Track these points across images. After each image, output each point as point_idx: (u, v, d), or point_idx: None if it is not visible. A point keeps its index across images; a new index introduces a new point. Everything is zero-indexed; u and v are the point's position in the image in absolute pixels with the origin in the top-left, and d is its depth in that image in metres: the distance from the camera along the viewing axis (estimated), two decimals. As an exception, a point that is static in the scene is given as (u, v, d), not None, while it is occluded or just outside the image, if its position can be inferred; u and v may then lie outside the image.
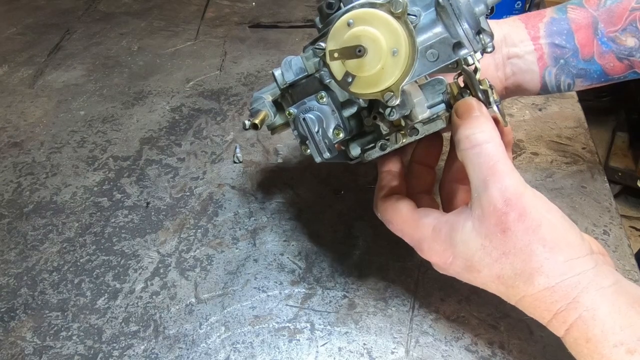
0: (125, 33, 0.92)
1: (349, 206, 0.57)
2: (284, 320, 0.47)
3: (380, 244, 0.53)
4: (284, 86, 0.45)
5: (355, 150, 0.45)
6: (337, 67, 0.36)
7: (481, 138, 0.38)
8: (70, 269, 0.53)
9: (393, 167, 0.46)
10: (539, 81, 0.50)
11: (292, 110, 0.44)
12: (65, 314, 0.49)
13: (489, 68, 0.49)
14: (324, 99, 0.42)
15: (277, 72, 0.45)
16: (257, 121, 0.45)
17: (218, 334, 0.46)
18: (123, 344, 0.46)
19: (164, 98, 0.75)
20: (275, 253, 0.53)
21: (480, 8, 0.36)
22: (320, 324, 0.47)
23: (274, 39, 0.88)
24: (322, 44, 0.37)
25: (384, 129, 0.43)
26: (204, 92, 0.76)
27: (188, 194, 0.60)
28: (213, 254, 0.53)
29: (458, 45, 0.36)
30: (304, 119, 0.41)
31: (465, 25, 0.35)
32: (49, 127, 0.71)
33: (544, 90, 0.51)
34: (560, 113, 0.68)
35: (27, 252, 0.54)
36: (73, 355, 0.45)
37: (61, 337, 0.47)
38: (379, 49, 0.34)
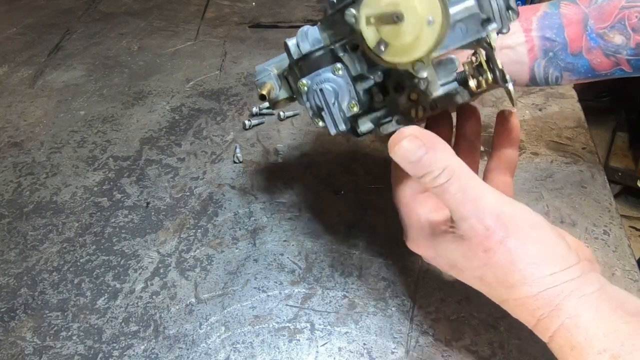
0: (125, 33, 0.92)
1: (349, 206, 0.57)
2: (284, 320, 0.47)
3: (380, 244, 0.53)
4: (299, 57, 0.43)
5: (365, 126, 0.44)
6: (372, 34, 0.36)
7: (438, 181, 0.35)
8: (70, 269, 0.53)
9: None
10: (528, 73, 0.51)
11: (306, 81, 0.42)
12: (65, 314, 0.49)
13: None
14: (340, 71, 0.41)
15: (292, 42, 0.43)
16: (264, 92, 0.44)
17: (218, 334, 0.46)
18: (123, 344, 0.46)
19: (164, 98, 0.75)
20: (275, 253, 0.53)
21: None
22: (320, 324, 0.47)
23: (274, 39, 0.88)
24: (353, 10, 0.36)
25: (401, 103, 0.42)
26: (204, 92, 0.76)
27: (188, 194, 0.60)
28: (213, 254, 0.53)
29: (487, 21, 0.36)
30: (320, 89, 0.40)
31: (501, 2, 0.36)
32: (49, 127, 0.71)
33: (533, 81, 0.52)
34: (560, 113, 0.68)
35: (27, 252, 0.54)
36: (73, 355, 0.45)
37: (61, 337, 0.47)
38: (416, 17, 0.34)
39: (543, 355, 0.44)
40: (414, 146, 0.35)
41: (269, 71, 0.46)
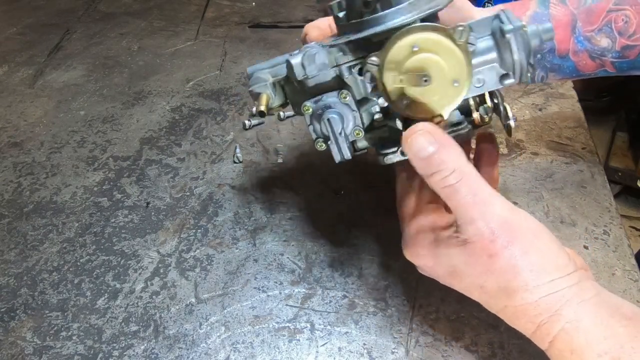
0: (125, 33, 0.92)
1: (349, 206, 0.57)
2: (284, 320, 0.47)
3: (380, 243, 0.53)
4: (302, 78, 0.41)
5: (362, 143, 0.44)
6: (396, 90, 0.36)
7: (449, 181, 0.35)
8: (70, 269, 0.52)
9: None
10: None
11: (310, 104, 0.41)
12: (65, 314, 0.49)
13: None
14: (347, 98, 0.40)
15: (296, 62, 0.41)
16: (262, 108, 0.42)
17: (218, 334, 0.46)
18: (123, 344, 0.46)
19: (164, 98, 0.75)
20: (275, 253, 0.53)
21: (535, 42, 0.37)
22: (320, 324, 0.47)
23: (274, 39, 0.88)
24: (376, 59, 0.36)
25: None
26: (204, 92, 0.76)
27: (188, 194, 0.60)
28: (213, 254, 0.53)
29: (505, 75, 0.37)
30: (328, 119, 0.40)
31: (523, 59, 0.36)
32: (49, 127, 0.71)
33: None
34: (560, 113, 0.68)
35: (27, 252, 0.54)
36: (73, 355, 0.45)
37: (61, 337, 0.47)
38: (444, 79, 0.35)
39: (543, 355, 0.44)
40: (426, 142, 0.35)
41: (265, 80, 0.45)
